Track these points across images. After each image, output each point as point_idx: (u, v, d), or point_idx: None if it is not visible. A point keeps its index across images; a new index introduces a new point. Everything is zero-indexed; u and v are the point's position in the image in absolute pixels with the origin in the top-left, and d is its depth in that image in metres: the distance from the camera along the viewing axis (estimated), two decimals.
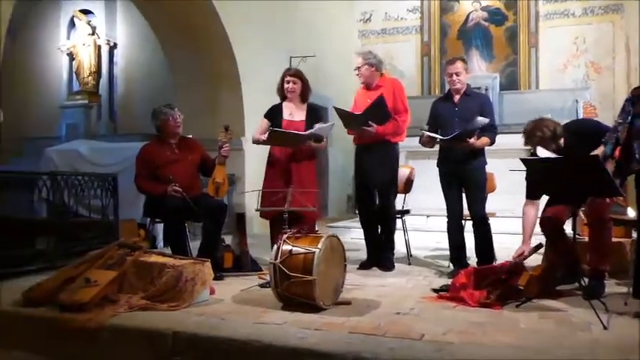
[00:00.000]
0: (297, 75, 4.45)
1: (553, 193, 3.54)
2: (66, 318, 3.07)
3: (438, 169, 4.51)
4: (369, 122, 4.34)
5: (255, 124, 5.14)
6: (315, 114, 4.50)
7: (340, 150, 9.84)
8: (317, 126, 4.26)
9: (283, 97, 4.50)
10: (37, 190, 5.02)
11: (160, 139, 4.51)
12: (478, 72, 9.63)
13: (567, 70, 9.66)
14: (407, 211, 5.10)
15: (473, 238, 4.40)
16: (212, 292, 3.61)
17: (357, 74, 4.58)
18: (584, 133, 3.69)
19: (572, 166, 3.12)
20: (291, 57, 8.02)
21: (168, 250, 4.38)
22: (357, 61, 4.57)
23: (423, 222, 6.81)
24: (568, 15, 9.72)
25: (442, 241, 6.01)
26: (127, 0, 7.90)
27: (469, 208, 4.39)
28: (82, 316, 3.05)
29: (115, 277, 3.35)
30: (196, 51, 7.24)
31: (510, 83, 9.67)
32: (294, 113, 4.43)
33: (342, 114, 4.42)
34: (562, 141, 3.68)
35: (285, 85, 4.42)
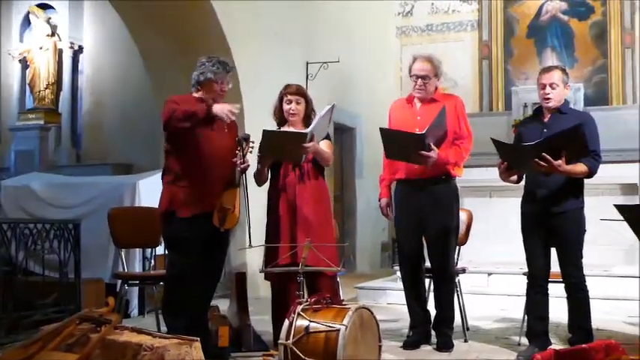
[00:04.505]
0: (301, 93, 4.53)
1: None
2: None
3: (520, 210, 4.47)
4: (430, 145, 4.25)
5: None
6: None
7: (372, 184, 9.78)
8: (315, 120, 4.26)
9: (282, 121, 4.58)
10: None
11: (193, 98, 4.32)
12: None
13: None
14: (462, 270, 5.04)
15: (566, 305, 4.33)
16: None
17: (419, 87, 4.53)
18: None
19: None
20: (307, 62, 8.13)
21: (146, 321, 4.38)
22: (425, 68, 4.49)
23: (484, 282, 6.73)
24: None
25: (509, 308, 5.96)
26: None
27: (560, 266, 4.34)
28: None
29: None
30: (183, 55, 7.34)
31: (599, 96, 9.62)
32: None
33: (393, 136, 4.39)
34: None
35: (286, 107, 4.50)
